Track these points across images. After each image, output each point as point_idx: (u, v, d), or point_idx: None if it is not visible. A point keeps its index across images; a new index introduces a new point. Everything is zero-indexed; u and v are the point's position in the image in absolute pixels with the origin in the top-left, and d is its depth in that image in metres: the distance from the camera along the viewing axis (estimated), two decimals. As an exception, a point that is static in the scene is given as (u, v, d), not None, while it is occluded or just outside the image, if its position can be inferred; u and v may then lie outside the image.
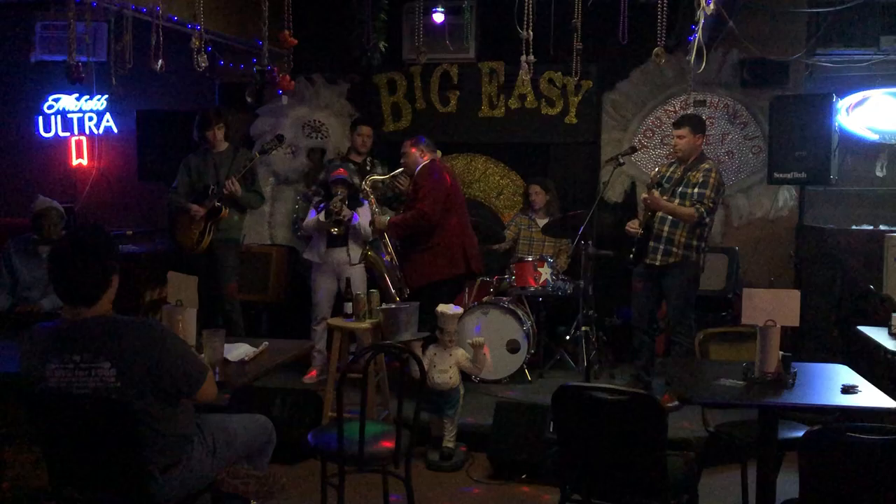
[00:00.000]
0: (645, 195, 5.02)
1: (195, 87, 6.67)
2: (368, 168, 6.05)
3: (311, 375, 5.64)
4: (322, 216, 5.41)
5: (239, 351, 3.41)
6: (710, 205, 4.91)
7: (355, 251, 5.53)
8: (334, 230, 5.37)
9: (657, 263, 5.05)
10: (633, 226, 5.15)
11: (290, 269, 6.75)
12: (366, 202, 5.52)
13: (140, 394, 2.58)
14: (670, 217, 4.99)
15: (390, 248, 5.47)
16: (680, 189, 5.00)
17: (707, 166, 5.00)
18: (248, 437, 3.11)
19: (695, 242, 5.00)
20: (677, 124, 5.15)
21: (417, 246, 5.34)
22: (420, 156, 5.38)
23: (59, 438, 2.67)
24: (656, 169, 5.29)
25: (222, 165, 5.53)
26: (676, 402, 4.60)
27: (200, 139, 5.62)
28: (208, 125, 5.53)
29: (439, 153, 5.59)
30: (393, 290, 5.31)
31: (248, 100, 6.17)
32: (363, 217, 5.49)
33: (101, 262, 2.63)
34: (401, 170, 5.58)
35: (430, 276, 5.31)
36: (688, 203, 4.92)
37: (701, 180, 4.92)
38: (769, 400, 3.05)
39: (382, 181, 5.78)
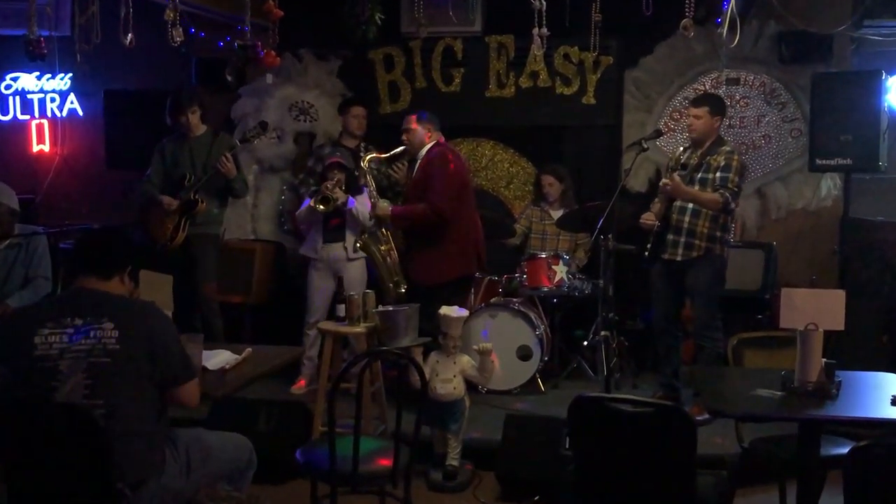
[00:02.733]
0: (665, 181, 5.02)
1: (169, 65, 6.66)
2: (362, 154, 6.05)
3: (300, 385, 5.65)
4: (314, 202, 5.43)
5: (219, 358, 3.42)
6: (735, 189, 4.92)
7: (352, 244, 5.54)
8: (320, 207, 5.38)
9: (678, 258, 5.06)
10: (649, 218, 5.15)
11: (275, 268, 6.74)
12: (366, 189, 5.50)
13: (136, 364, 2.76)
14: (691, 206, 5.00)
15: (390, 240, 5.39)
16: (700, 175, 5.00)
17: (728, 149, 5.05)
18: (226, 455, 3.15)
19: (719, 234, 5.02)
20: (696, 102, 5.19)
21: (427, 242, 5.26)
22: (425, 134, 5.29)
23: (22, 452, 2.69)
24: (681, 149, 5.27)
25: (200, 152, 5.54)
26: (706, 415, 4.60)
27: (173, 125, 5.63)
28: (181, 109, 5.53)
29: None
30: (389, 284, 5.28)
31: (229, 78, 6.17)
32: (362, 205, 5.49)
33: (127, 243, 3.14)
34: (402, 148, 5.49)
35: (441, 277, 5.21)
36: (710, 189, 4.93)
37: (723, 164, 4.93)
38: (810, 412, 3.06)
39: (381, 160, 5.71)
